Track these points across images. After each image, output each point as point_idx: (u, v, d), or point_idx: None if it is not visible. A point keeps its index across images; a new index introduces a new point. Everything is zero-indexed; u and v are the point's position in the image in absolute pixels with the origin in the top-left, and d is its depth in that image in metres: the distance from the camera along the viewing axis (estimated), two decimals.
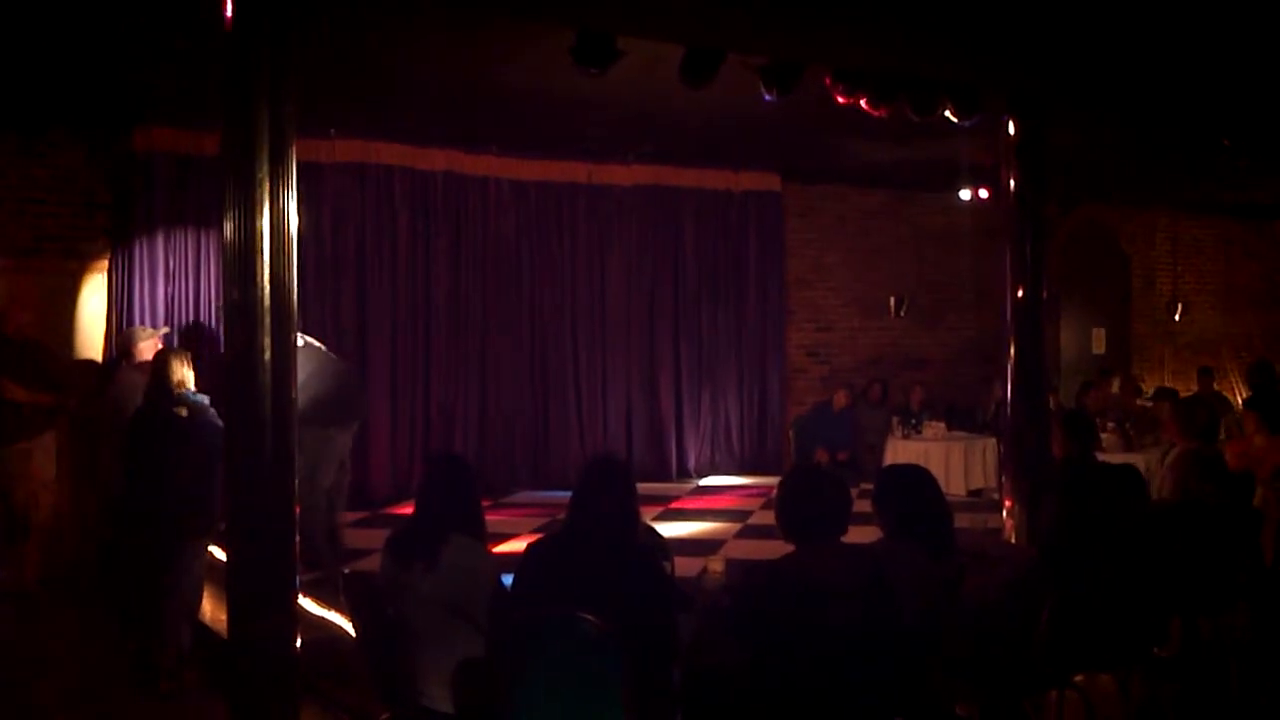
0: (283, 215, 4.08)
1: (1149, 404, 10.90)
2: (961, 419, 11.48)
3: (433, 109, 8.76)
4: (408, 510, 7.01)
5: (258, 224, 4.03)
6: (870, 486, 4.11)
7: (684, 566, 5.47)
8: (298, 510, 4.15)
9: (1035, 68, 6.40)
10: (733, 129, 9.28)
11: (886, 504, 3.94)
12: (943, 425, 10.93)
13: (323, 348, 7.26)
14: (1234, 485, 6.24)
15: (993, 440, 10.28)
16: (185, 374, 5.79)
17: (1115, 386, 11.90)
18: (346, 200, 9.74)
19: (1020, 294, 6.52)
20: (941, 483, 4.23)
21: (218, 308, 8.67)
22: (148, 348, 7.07)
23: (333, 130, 9.45)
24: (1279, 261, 15.54)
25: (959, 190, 11.62)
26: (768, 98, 6.52)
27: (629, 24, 5.66)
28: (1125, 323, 14.58)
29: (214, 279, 8.79)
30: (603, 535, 3.72)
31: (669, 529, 7.86)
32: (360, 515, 8.35)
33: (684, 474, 11.37)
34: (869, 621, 3.34)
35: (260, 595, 4.05)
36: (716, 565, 5.22)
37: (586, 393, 11.00)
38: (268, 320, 4.04)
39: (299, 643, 4.13)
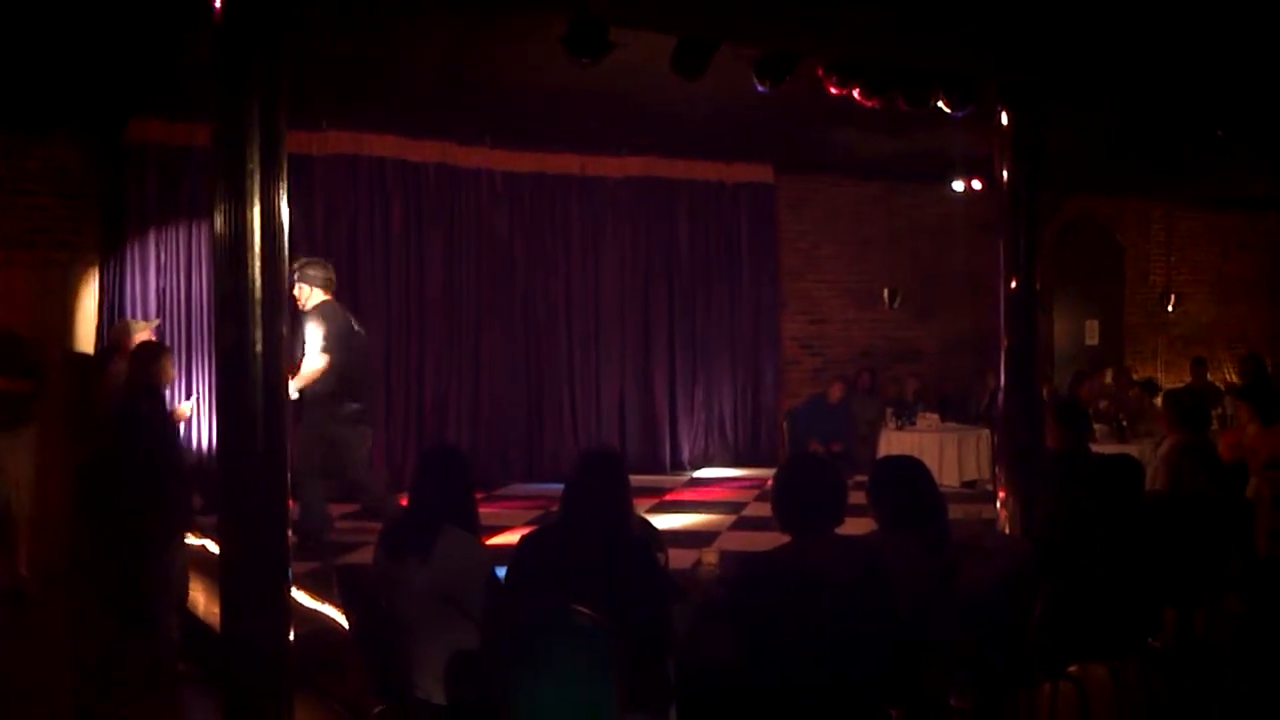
0: (274, 207, 4.07)
1: (1133, 394, 10.97)
2: (955, 410, 11.51)
3: (425, 101, 8.73)
4: (401, 503, 7.03)
5: (249, 216, 4.01)
6: (864, 478, 4.11)
7: (678, 558, 5.48)
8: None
9: (1029, 58, 6.39)
10: (726, 121, 9.26)
11: (881, 496, 3.94)
12: (937, 417, 10.95)
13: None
14: (1226, 476, 6.26)
15: (986, 432, 10.30)
16: (159, 369, 5.83)
17: (1108, 377, 11.95)
18: (338, 192, 9.71)
19: (1014, 285, 6.52)
20: (935, 474, 4.23)
21: (209, 300, 8.66)
22: (141, 340, 7.06)
23: (324, 122, 9.42)
24: (1273, 253, 15.57)
25: (952, 182, 11.60)
26: (761, 89, 6.51)
27: (621, 14, 5.64)
28: (1119, 314, 14.61)
29: (206, 271, 8.76)
30: (596, 528, 3.72)
31: (663, 521, 7.86)
32: (353, 507, 8.34)
33: (678, 466, 11.36)
34: (864, 613, 3.34)
35: (253, 588, 4.04)
36: (711, 557, 5.23)
37: (580, 384, 10.99)
38: (259, 313, 4.02)
39: (292, 636, 4.12)
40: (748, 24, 5.85)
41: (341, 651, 4.76)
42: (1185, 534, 5.11)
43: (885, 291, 11.97)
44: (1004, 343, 6.59)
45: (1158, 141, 9.94)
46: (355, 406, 7.39)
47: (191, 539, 7.60)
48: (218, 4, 4.05)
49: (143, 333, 7.33)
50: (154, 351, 6.12)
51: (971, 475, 10.40)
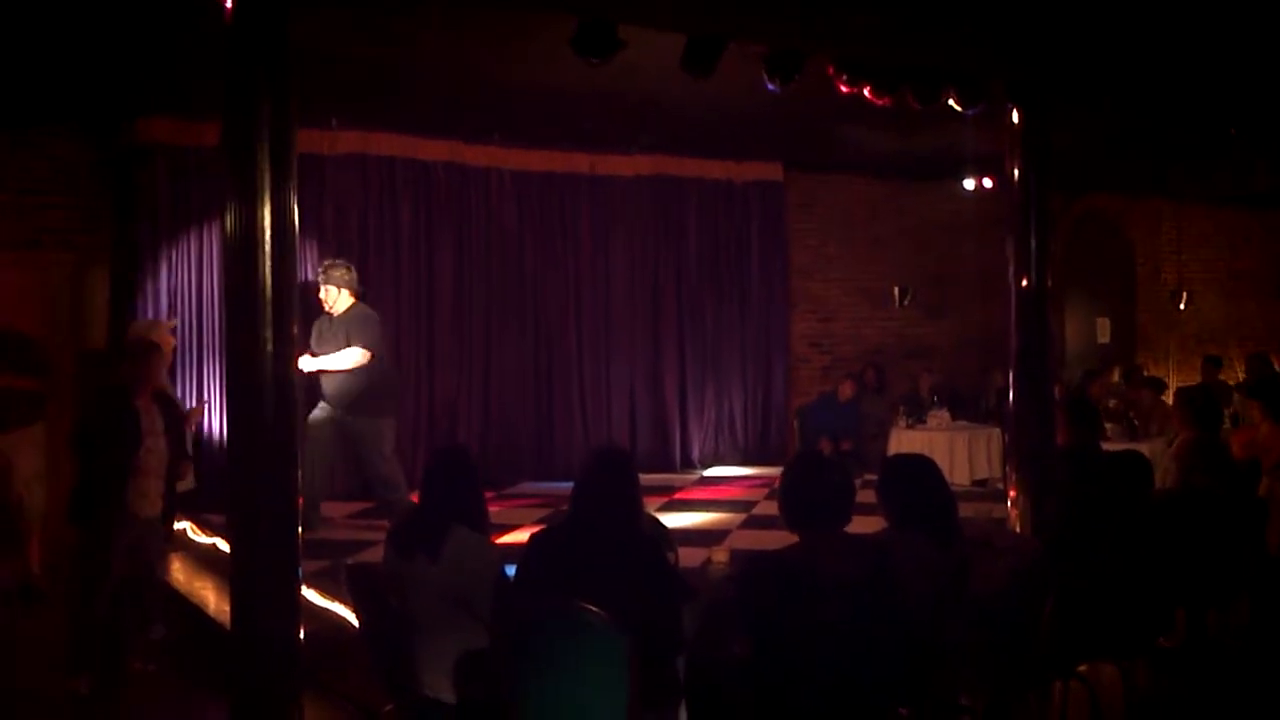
0: (284, 206, 4.07)
1: (1141, 392, 10.94)
2: (965, 409, 11.48)
3: (434, 99, 8.73)
4: (413, 499, 7.03)
5: (259, 215, 4.02)
6: (874, 476, 4.10)
7: (688, 557, 5.47)
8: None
9: (1039, 56, 6.37)
10: (735, 119, 9.25)
11: (891, 494, 3.94)
12: (947, 415, 10.92)
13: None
14: (1238, 474, 6.23)
15: (997, 430, 10.27)
16: (148, 367, 5.86)
17: (1117, 375, 11.91)
18: (348, 191, 9.71)
19: (1024, 284, 6.49)
20: (946, 473, 4.22)
21: (220, 300, 8.69)
22: (160, 339, 7.09)
23: (334, 121, 9.42)
24: None
25: (963, 180, 11.57)
26: (770, 87, 6.49)
27: (630, 13, 5.63)
28: (1130, 312, 14.54)
29: (216, 271, 8.77)
30: (606, 526, 3.72)
31: (673, 519, 7.85)
32: (364, 506, 8.34)
33: (688, 464, 11.34)
34: (873, 612, 3.33)
35: (263, 587, 4.05)
36: (721, 556, 5.24)
37: (590, 383, 10.98)
38: (269, 312, 4.03)
39: (302, 634, 4.13)
40: (757, 22, 5.84)
41: (351, 650, 4.77)
42: (1197, 533, 5.09)
43: (895, 290, 11.93)
44: (1015, 341, 6.56)
45: (1168, 139, 9.90)
46: (382, 402, 7.74)
47: (196, 536, 7.67)
48: (228, 4, 4.06)
49: (161, 332, 7.36)
50: (144, 349, 6.12)
51: (982, 473, 10.37)
